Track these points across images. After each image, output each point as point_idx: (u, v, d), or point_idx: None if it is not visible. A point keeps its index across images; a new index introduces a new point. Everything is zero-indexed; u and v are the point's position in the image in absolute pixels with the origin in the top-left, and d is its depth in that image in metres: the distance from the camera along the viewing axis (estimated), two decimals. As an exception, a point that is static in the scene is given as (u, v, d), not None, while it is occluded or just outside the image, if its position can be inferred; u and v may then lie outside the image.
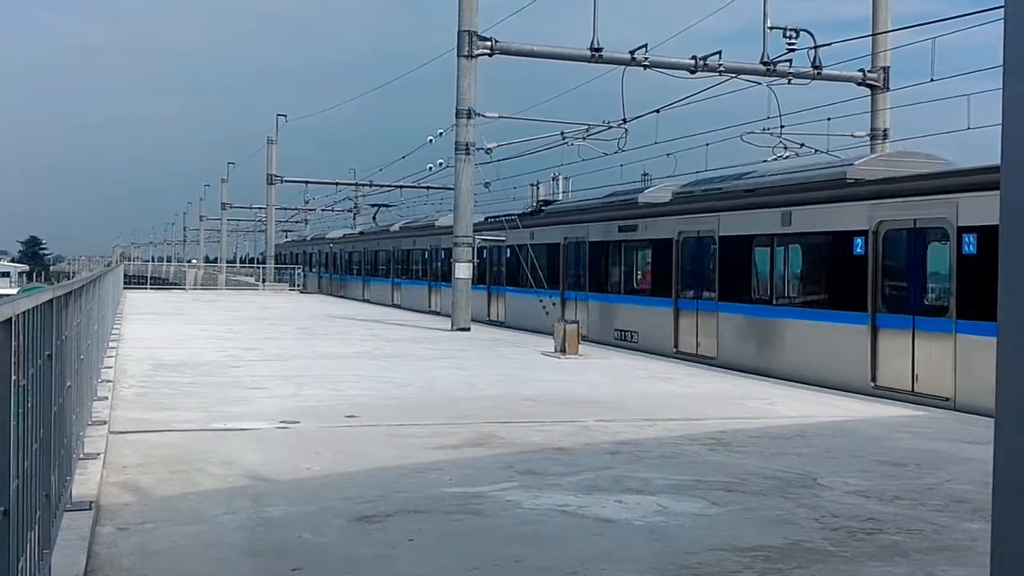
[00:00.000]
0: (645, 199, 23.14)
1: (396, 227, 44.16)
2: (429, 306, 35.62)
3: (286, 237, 78.54)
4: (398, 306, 38.84)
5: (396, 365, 16.36)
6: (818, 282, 17.22)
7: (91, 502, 6.26)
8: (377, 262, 45.26)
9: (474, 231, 29.29)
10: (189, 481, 7.44)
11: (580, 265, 25.03)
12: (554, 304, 25.42)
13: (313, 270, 60.39)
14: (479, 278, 30.09)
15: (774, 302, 17.73)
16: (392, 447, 9.01)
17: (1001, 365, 2.20)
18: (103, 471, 7.37)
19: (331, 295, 50.73)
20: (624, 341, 22.06)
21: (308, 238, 69.79)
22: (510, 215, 30.37)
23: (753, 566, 5.50)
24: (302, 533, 6.05)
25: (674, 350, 19.99)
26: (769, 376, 15.89)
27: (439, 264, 35.43)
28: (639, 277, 23.26)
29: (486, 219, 31.53)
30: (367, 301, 43.60)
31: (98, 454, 7.74)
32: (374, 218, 56.48)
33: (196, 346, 19.16)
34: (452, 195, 27.22)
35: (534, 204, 31.96)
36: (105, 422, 9.36)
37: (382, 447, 9.02)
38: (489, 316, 30.17)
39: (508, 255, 29.14)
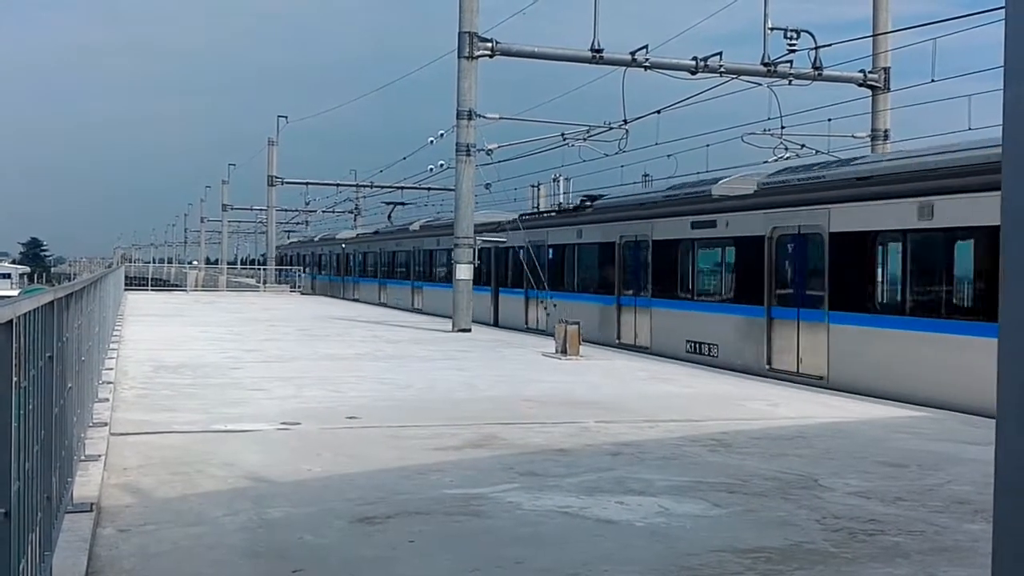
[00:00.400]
0: (721, 191, 20.19)
1: (416, 226, 41.04)
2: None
3: (288, 238, 78.26)
4: (419, 311, 36.17)
5: (397, 366, 16.36)
6: (974, 284, 13.96)
7: (92, 504, 6.26)
8: (395, 263, 42.28)
9: (510, 229, 28.11)
10: (190, 483, 7.45)
11: (641, 267, 22.20)
12: (588, 312, 23.23)
13: (323, 272, 58.28)
14: (514, 281, 28.63)
15: (911, 310, 14.60)
16: (393, 448, 9.01)
17: (1001, 366, 2.20)
18: (104, 473, 7.36)
19: (343, 299, 48.77)
20: (698, 354, 19.30)
21: (316, 238, 67.07)
22: (547, 212, 28.86)
23: (754, 567, 5.50)
24: (303, 534, 6.05)
25: (767, 367, 16.94)
26: (903, 402, 13.00)
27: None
28: (720, 281, 20.06)
29: (520, 216, 29.97)
30: (384, 305, 41.07)
31: (99, 456, 7.74)
32: (389, 216, 53.44)
33: (197, 348, 19.16)
34: (453, 196, 27.20)
35: (577, 199, 28.45)
36: (106, 424, 9.36)
37: (383, 448, 9.02)
38: (527, 323, 27.61)
39: (551, 255, 26.66)
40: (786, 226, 17.19)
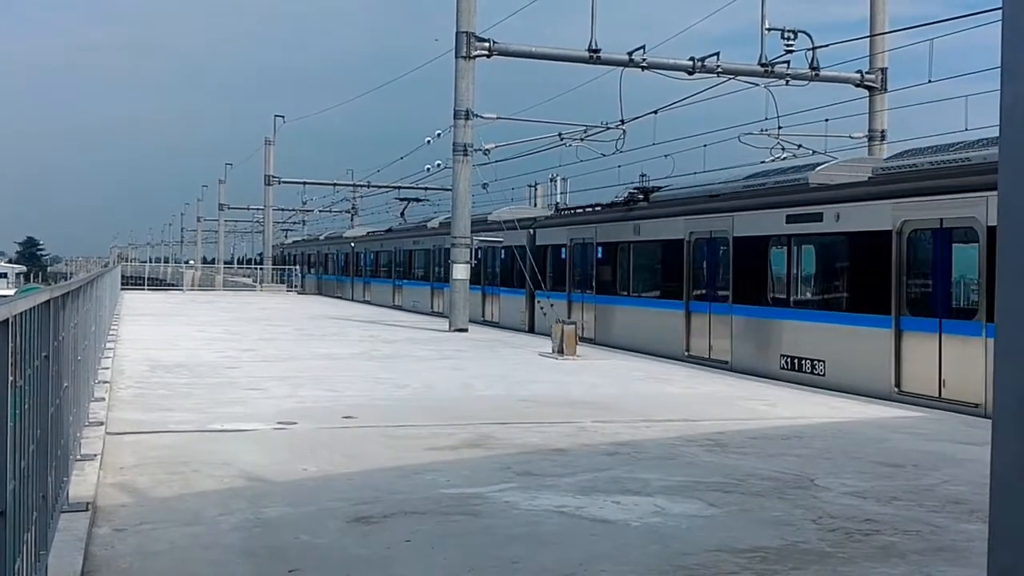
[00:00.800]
0: (820, 179, 17.48)
1: (435, 223, 37.73)
2: (483, 315, 29.57)
3: (286, 237, 77.97)
4: (439, 314, 32.48)
5: (394, 366, 16.35)
6: None
7: (88, 503, 6.25)
8: (412, 263, 39.02)
9: (549, 225, 26.14)
10: (186, 482, 7.44)
11: (717, 268, 19.16)
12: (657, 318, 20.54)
13: (330, 272, 55.45)
14: (554, 283, 25.65)
15: None
16: (389, 448, 9.00)
17: (997, 367, 2.21)
18: (100, 472, 7.36)
19: (352, 300, 46.05)
20: (797, 371, 16.25)
21: (322, 237, 63.54)
22: (592, 206, 25.96)
23: (750, 567, 5.50)
24: (299, 534, 6.05)
25: (895, 389, 14.03)
26: None
27: (497, 266, 29.31)
28: (828, 284, 16.85)
29: (560, 210, 28.08)
30: (398, 307, 38.14)
31: (95, 455, 7.73)
32: (402, 214, 49.87)
33: (193, 347, 19.14)
34: (450, 196, 27.18)
35: (628, 191, 24.80)
36: (102, 423, 9.35)
37: (379, 448, 9.01)
38: (587, 334, 22.92)
39: (600, 255, 23.52)
40: (922, 219, 14.22)
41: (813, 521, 6.55)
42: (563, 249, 25.32)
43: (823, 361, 15.91)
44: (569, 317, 23.00)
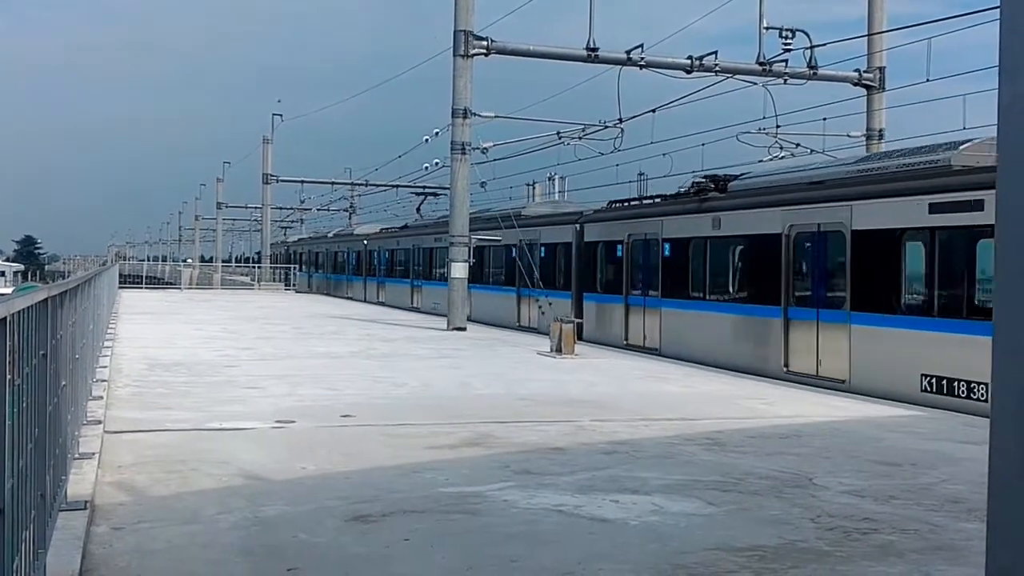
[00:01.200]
0: (965, 160, 14.45)
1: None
2: (518, 320, 27.30)
3: (285, 235, 77.77)
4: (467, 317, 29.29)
5: (392, 364, 16.35)
6: None
7: (86, 502, 6.25)
8: (433, 262, 35.98)
9: (601, 219, 23.63)
10: (184, 481, 7.44)
11: (828, 267, 16.52)
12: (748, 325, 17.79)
13: (338, 271, 53.01)
14: (607, 285, 22.94)
15: None
16: (388, 447, 9.00)
17: (996, 366, 2.21)
18: (98, 471, 7.36)
19: (365, 302, 43.44)
20: (944, 394, 13.33)
21: (330, 234, 59.79)
22: (653, 198, 23.32)
23: (749, 566, 5.50)
24: (298, 533, 6.05)
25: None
26: None
27: (535, 264, 26.17)
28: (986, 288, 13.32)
29: (611, 203, 25.03)
30: (416, 310, 35.59)
31: (93, 454, 7.73)
32: (418, 209, 46.58)
33: (191, 346, 19.13)
34: (448, 195, 27.16)
35: (694, 179, 21.85)
36: (100, 421, 9.35)
37: (378, 447, 9.01)
38: (650, 343, 20.91)
39: (668, 253, 20.70)
40: None
41: (811, 520, 6.56)
42: (619, 246, 22.54)
43: (983, 384, 12.71)
44: (626, 323, 21.72)
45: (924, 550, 5.90)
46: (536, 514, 6.60)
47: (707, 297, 19.40)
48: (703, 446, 9.27)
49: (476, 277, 28.54)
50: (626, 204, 24.10)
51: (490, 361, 17.49)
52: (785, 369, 16.46)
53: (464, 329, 24.38)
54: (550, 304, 24.47)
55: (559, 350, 18.24)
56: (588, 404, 12.09)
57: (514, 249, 27.31)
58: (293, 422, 10.22)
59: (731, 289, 18.98)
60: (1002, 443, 2.18)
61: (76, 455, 7.24)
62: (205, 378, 13.91)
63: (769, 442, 9.57)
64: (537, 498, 7.03)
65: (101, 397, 10.91)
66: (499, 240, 27.83)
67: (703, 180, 20.96)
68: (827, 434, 10.20)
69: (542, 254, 26.38)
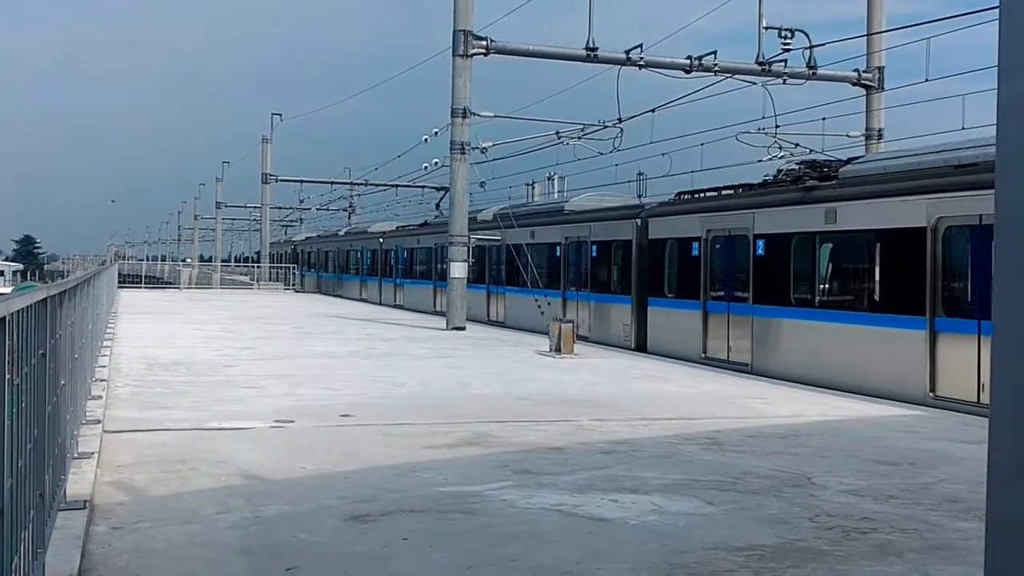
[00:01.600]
0: None
1: (488, 214, 30.60)
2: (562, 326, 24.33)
3: (284, 234, 77.62)
4: (501, 324, 27.68)
5: (391, 364, 16.35)
6: None
7: (85, 501, 6.25)
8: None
9: (671, 213, 20.88)
10: (183, 480, 7.44)
11: (989, 268, 12.61)
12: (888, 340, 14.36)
13: (349, 271, 50.01)
14: (679, 288, 20.06)
15: None
16: (387, 446, 9.00)
17: (995, 365, 2.21)
18: (97, 470, 7.35)
19: (381, 304, 40.76)
20: None
21: (341, 232, 56.58)
22: (736, 188, 19.81)
23: (748, 565, 5.50)
24: (297, 532, 6.05)
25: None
26: None
27: (586, 266, 24.06)
28: None
29: (679, 195, 22.01)
30: (440, 314, 29.00)
31: (92, 453, 7.72)
32: (438, 205, 42.13)
33: (191, 345, 19.13)
34: (447, 195, 27.13)
35: (792, 164, 19.00)
36: (99, 421, 9.34)
37: (377, 446, 9.01)
38: (735, 356, 18.05)
39: (762, 251, 17.58)
40: None
41: (810, 519, 6.56)
42: (695, 244, 19.53)
43: None
44: (704, 331, 18.93)
45: (923, 549, 5.90)
46: (535, 514, 6.60)
47: (818, 304, 16.26)
48: (702, 445, 9.27)
49: (512, 279, 27.34)
50: (700, 195, 20.86)
51: (489, 361, 17.49)
52: (931, 394, 13.49)
53: (463, 329, 24.37)
54: (550, 302, 24.33)
55: (558, 350, 18.24)
56: (587, 404, 12.09)
57: (559, 248, 25.21)
58: (292, 422, 10.22)
59: (853, 294, 15.90)
60: (1001, 443, 2.18)
61: (75, 455, 7.24)
62: (204, 378, 13.91)
63: (768, 441, 9.57)
64: (536, 498, 7.03)
65: (100, 397, 10.91)
66: (499, 240, 27.80)
67: (797, 167, 18.11)
68: (826, 433, 10.20)
69: (593, 253, 23.81)
